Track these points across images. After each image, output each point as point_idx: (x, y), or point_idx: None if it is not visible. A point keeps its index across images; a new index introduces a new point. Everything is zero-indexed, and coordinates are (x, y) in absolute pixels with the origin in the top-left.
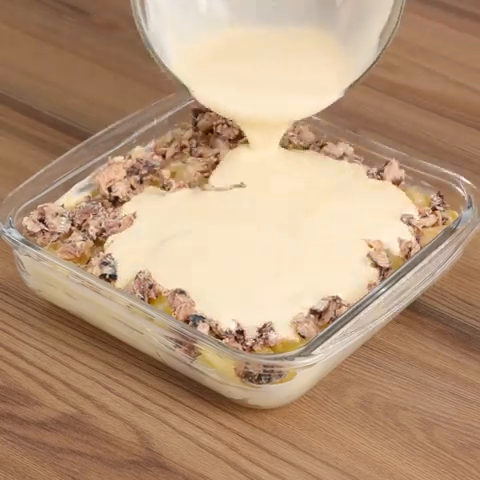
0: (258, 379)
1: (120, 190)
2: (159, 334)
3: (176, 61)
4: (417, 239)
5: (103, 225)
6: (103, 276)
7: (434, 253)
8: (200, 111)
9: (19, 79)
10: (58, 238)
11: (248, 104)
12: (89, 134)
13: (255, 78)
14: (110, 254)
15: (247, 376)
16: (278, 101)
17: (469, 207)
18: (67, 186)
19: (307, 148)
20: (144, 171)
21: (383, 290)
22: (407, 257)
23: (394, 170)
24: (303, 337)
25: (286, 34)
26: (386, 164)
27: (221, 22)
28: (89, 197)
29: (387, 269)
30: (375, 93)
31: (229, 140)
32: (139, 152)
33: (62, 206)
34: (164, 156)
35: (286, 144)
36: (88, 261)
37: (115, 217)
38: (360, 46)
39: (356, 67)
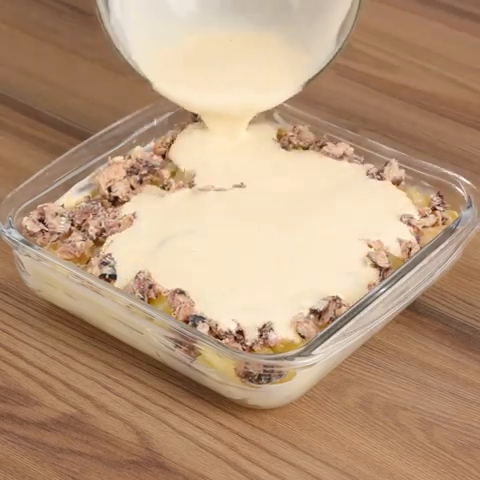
0: (258, 379)
1: (120, 190)
2: (159, 334)
3: (139, 54)
4: (417, 239)
5: (103, 225)
6: (103, 276)
7: (434, 253)
8: None
9: (19, 79)
10: (58, 238)
11: (207, 98)
12: (89, 134)
13: (214, 73)
14: (110, 254)
15: (247, 376)
16: (235, 96)
17: (469, 207)
18: (67, 186)
19: (307, 148)
20: (144, 171)
21: (383, 290)
22: (407, 257)
23: (394, 170)
24: (303, 337)
25: (247, 32)
26: (386, 164)
27: (186, 20)
28: (89, 197)
29: (387, 269)
30: (375, 93)
31: None
32: (139, 152)
33: (62, 206)
34: (164, 156)
35: (286, 144)
36: (88, 261)
37: (115, 217)
38: (319, 43)
39: (314, 63)
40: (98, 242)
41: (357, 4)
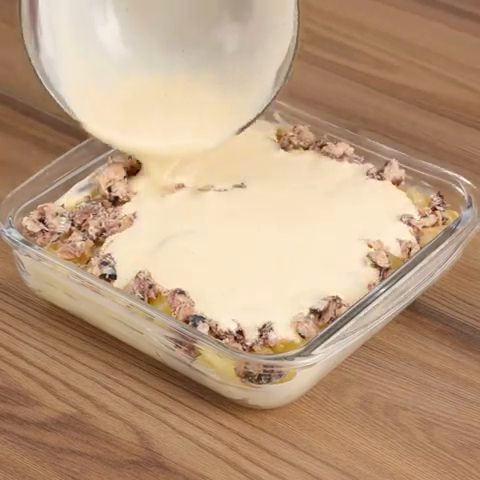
0: (258, 379)
1: (120, 190)
2: (159, 334)
3: (71, 94)
4: (417, 239)
5: (103, 225)
6: (103, 276)
7: (434, 253)
8: None
9: (19, 79)
10: (58, 238)
11: (136, 143)
12: (89, 134)
13: (149, 118)
14: (110, 254)
15: (247, 376)
16: (170, 141)
17: (469, 207)
18: (67, 186)
19: (307, 148)
20: None
21: (383, 290)
22: (407, 257)
23: (394, 170)
24: (303, 337)
25: (183, 75)
26: (386, 164)
27: (119, 62)
28: (89, 197)
29: (387, 269)
30: (375, 93)
31: None
32: None
33: (62, 206)
34: None
35: (286, 144)
36: (88, 261)
37: (115, 217)
38: (255, 88)
39: (251, 108)
40: (98, 242)
41: (293, 49)
